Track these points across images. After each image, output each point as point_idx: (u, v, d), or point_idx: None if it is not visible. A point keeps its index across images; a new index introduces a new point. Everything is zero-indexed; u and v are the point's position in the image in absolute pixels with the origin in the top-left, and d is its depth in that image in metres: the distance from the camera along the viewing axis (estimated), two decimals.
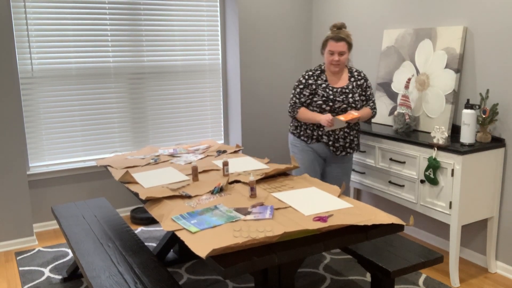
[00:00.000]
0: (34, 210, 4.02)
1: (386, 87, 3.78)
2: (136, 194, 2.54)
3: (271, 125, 4.74)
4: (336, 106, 3.12)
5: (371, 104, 3.25)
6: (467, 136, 2.95)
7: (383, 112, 3.80)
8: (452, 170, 2.92)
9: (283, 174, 2.82)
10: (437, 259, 2.43)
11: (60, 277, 3.19)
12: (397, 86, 3.68)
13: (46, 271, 3.27)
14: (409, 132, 3.40)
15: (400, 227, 2.07)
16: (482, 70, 3.15)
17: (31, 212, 4.00)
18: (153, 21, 4.29)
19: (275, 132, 4.77)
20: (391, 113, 3.72)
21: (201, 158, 3.20)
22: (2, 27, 3.45)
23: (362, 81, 3.21)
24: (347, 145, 3.23)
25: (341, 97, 3.13)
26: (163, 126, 4.49)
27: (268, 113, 4.69)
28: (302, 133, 3.27)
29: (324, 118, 3.02)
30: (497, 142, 3.03)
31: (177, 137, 4.59)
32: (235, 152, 3.37)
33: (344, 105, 3.12)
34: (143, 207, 4.30)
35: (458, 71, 3.23)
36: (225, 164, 2.73)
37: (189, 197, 2.41)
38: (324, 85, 3.16)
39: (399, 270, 2.32)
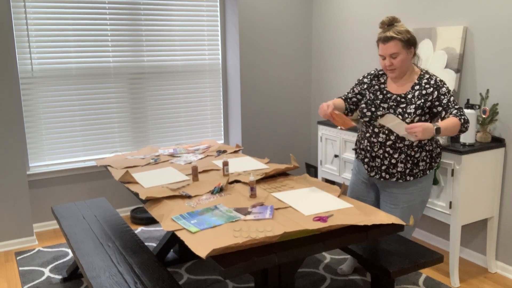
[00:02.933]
0: (34, 210, 4.02)
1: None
2: (136, 194, 2.54)
3: (271, 125, 4.74)
4: (378, 113, 2.53)
5: (455, 112, 2.37)
6: (467, 136, 2.95)
7: None
8: (452, 170, 2.92)
9: (283, 174, 2.82)
10: (437, 259, 2.42)
11: (60, 277, 3.19)
12: None
13: (46, 271, 3.27)
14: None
15: (400, 227, 2.07)
16: (482, 70, 3.15)
17: (31, 212, 4.00)
18: (153, 21, 4.29)
19: (275, 132, 4.77)
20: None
21: (201, 158, 3.20)
22: (2, 27, 3.45)
23: (431, 89, 2.44)
24: (384, 167, 2.56)
25: (390, 103, 2.51)
26: (163, 126, 4.49)
27: (268, 113, 4.69)
28: (356, 144, 2.76)
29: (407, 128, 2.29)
30: (497, 142, 3.03)
31: (177, 137, 4.59)
32: (235, 152, 3.37)
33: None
34: (143, 207, 4.30)
35: (458, 71, 3.23)
36: (225, 164, 2.73)
37: (189, 197, 2.41)
38: (377, 87, 2.61)
39: (399, 270, 2.32)
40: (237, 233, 1.92)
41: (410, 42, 2.45)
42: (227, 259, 1.76)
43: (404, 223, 2.05)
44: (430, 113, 2.48)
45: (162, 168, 2.96)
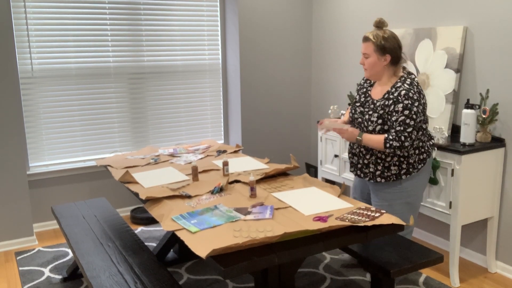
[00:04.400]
0: (34, 210, 4.02)
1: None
2: (136, 194, 2.54)
3: (271, 125, 4.74)
4: (355, 116, 2.68)
5: (392, 133, 2.46)
6: (467, 136, 2.95)
7: None
8: (452, 170, 2.92)
9: (283, 174, 2.82)
10: (437, 259, 2.42)
11: (60, 277, 3.19)
12: None
13: (46, 271, 3.27)
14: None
15: (400, 227, 2.07)
16: (482, 70, 3.15)
17: (31, 212, 4.00)
18: (153, 21, 4.29)
19: (275, 132, 4.77)
20: None
21: (201, 158, 3.20)
22: (2, 27, 3.45)
23: (391, 101, 2.48)
24: (359, 166, 2.71)
25: (365, 108, 2.62)
26: (163, 126, 4.49)
27: (268, 113, 4.69)
28: None
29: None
30: (497, 142, 3.03)
31: (177, 137, 4.59)
32: (235, 152, 3.37)
33: (360, 119, 2.63)
34: (143, 207, 4.30)
35: (458, 71, 3.23)
36: (225, 164, 2.73)
37: (189, 197, 2.41)
38: (364, 90, 2.70)
39: (399, 270, 2.32)
40: (237, 233, 1.92)
41: (384, 49, 2.51)
42: (227, 259, 1.76)
43: (404, 223, 2.05)
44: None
45: (162, 168, 2.96)
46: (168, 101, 4.48)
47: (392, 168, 2.59)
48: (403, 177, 2.60)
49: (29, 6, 3.78)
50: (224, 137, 4.83)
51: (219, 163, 3.04)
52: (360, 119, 2.63)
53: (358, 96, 2.73)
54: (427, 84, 3.42)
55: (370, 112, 2.57)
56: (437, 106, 3.33)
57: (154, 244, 3.66)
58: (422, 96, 2.51)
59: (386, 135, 2.49)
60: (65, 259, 3.46)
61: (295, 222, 2.04)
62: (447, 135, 3.10)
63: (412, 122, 2.46)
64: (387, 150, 2.49)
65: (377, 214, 2.09)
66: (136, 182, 2.68)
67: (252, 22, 4.45)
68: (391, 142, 2.46)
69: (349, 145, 2.79)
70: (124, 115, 4.29)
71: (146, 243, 3.57)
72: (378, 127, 2.53)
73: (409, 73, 2.60)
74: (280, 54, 4.66)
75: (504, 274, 3.15)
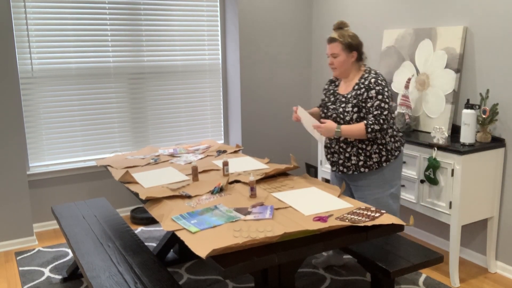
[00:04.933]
0: (34, 210, 4.02)
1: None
2: (136, 194, 2.54)
3: (271, 125, 4.74)
4: (328, 114, 2.79)
5: (370, 118, 2.60)
6: (467, 136, 2.95)
7: None
8: (452, 170, 2.92)
9: (283, 174, 2.82)
10: (437, 259, 2.43)
11: (60, 277, 3.19)
12: (397, 86, 3.68)
13: (46, 271, 3.27)
14: (409, 132, 3.40)
15: (400, 227, 2.07)
16: (482, 70, 3.15)
17: (31, 212, 4.00)
18: (153, 21, 4.29)
19: (275, 132, 4.77)
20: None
21: (201, 158, 3.20)
22: (2, 27, 3.45)
23: (363, 90, 2.64)
24: (340, 161, 2.79)
25: (337, 104, 2.75)
26: (163, 126, 4.49)
27: (268, 113, 4.70)
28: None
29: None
30: (497, 142, 3.03)
31: (177, 137, 4.59)
32: (235, 152, 3.37)
33: (334, 114, 2.74)
34: (143, 207, 4.30)
35: (458, 71, 3.23)
36: (225, 164, 2.73)
37: (189, 197, 2.41)
38: (331, 91, 2.85)
39: (399, 270, 2.32)
40: (237, 233, 1.92)
41: (351, 46, 2.68)
42: (227, 259, 1.76)
43: (404, 223, 2.05)
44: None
45: (162, 168, 2.96)
46: (168, 101, 4.48)
47: (374, 156, 2.71)
48: (384, 164, 2.73)
49: (29, 6, 3.78)
50: (224, 137, 4.83)
51: (219, 163, 3.04)
52: (334, 114, 2.74)
53: (327, 98, 2.86)
54: (427, 84, 3.42)
55: (343, 105, 2.70)
56: (437, 106, 3.33)
57: (154, 244, 3.66)
58: (387, 83, 2.70)
59: (365, 122, 2.61)
60: (65, 259, 3.46)
61: (295, 222, 2.04)
62: (447, 135, 3.10)
63: (386, 106, 2.62)
64: (368, 135, 2.61)
65: (377, 214, 2.09)
66: (136, 182, 2.68)
67: (252, 22, 4.45)
68: (372, 126, 2.59)
69: (326, 145, 2.87)
70: (124, 115, 4.29)
71: (146, 243, 3.57)
72: (355, 115, 2.66)
73: (370, 68, 2.77)
74: (280, 54, 4.66)
75: (504, 274, 3.15)
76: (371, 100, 2.61)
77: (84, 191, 4.19)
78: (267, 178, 2.73)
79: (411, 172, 3.21)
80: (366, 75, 2.69)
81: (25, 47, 3.82)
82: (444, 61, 3.30)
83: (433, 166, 3.00)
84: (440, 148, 2.97)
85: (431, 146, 3.02)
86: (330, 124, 2.64)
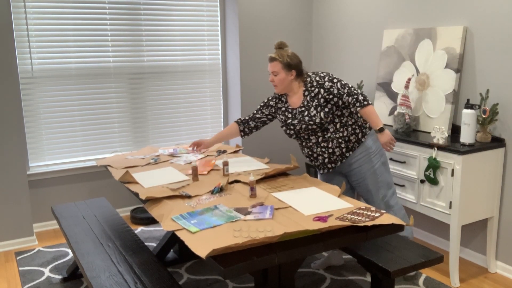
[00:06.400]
0: (34, 210, 4.02)
1: (386, 87, 3.78)
2: (136, 194, 2.54)
3: (271, 125, 4.73)
4: (297, 128, 2.82)
5: (355, 98, 2.73)
6: (467, 136, 2.95)
7: (383, 112, 3.80)
8: (452, 170, 2.92)
9: (283, 174, 2.82)
10: (437, 259, 2.42)
11: (60, 277, 3.19)
12: (397, 86, 3.68)
13: (46, 271, 3.27)
14: (409, 132, 3.40)
15: (400, 227, 2.07)
16: (482, 70, 3.15)
17: (31, 212, 4.00)
18: (153, 21, 4.29)
19: (275, 132, 4.77)
20: (391, 113, 3.72)
21: (201, 158, 3.20)
22: (2, 27, 3.45)
23: (317, 90, 2.77)
24: (326, 160, 2.90)
25: (298, 117, 2.81)
26: (163, 126, 4.49)
27: None
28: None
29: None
30: (497, 142, 3.03)
31: (177, 137, 4.59)
32: (235, 152, 3.37)
33: (304, 125, 2.79)
34: (143, 207, 4.30)
35: (458, 71, 3.23)
36: (225, 164, 2.73)
37: (189, 197, 2.41)
38: (283, 109, 2.91)
39: (399, 270, 2.32)
40: (237, 233, 1.92)
41: (290, 66, 2.79)
42: (227, 259, 1.76)
43: (404, 223, 2.05)
44: (334, 106, 2.77)
45: (162, 168, 2.96)
46: (168, 101, 4.48)
47: (351, 137, 2.85)
48: (362, 139, 2.88)
49: (29, 6, 3.78)
50: None
51: (219, 163, 3.04)
52: (304, 125, 2.80)
53: (283, 116, 2.90)
54: (427, 84, 3.42)
55: (306, 113, 2.79)
56: (437, 106, 3.33)
57: (154, 244, 3.66)
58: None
59: (358, 104, 2.73)
60: (65, 259, 3.46)
61: (295, 222, 2.04)
62: (447, 135, 3.10)
63: (344, 82, 2.78)
64: (370, 103, 2.76)
65: (377, 214, 2.09)
66: (136, 182, 2.68)
67: (252, 22, 4.45)
68: (362, 98, 2.74)
69: (307, 153, 2.95)
70: (124, 115, 4.29)
71: (146, 243, 3.57)
72: (322, 113, 2.76)
73: (307, 73, 2.90)
74: None
75: (504, 274, 3.15)
76: (333, 88, 2.75)
77: (84, 191, 4.20)
78: (267, 178, 2.73)
79: (411, 172, 3.21)
80: (309, 79, 2.83)
81: (25, 47, 3.82)
82: (444, 61, 3.30)
83: (433, 166, 3.00)
84: (440, 148, 2.97)
85: (431, 146, 3.02)
86: (386, 132, 2.75)
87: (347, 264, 3.29)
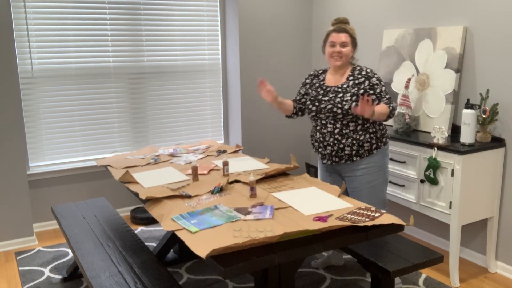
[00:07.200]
0: (34, 210, 4.02)
1: (386, 87, 3.78)
2: (136, 194, 2.54)
3: (271, 125, 4.74)
4: (322, 106, 2.80)
5: (386, 100, 2.75)
6: (467, 136, 2.95)
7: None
8: (452, 170, 2.92)
9: (283, 174, 2.82)
10: (437, 259, 2.43)
11: (60, 277, 3.19)
12: (397, 86, 3.68)
13: (46, 271, 3.27)
14: (409, 132, 3.40)
15: (400, 227, 2.07)
16: (482, 70, 3.15)
17: (31, 212, 4.00)
18: (153, 21, 4.29)
19: (275, 132, 4.77)
20: None
21: (201, 158, 3.20)
22: (2, 27, 3.45)
23: (363, 79, 2.76)
24: (333, 153, 2.84)
25: (330, 95, 2.79)
26: (163, 126, 4.49)
27: (268, 113, 4.69)
28: (311, 139, 3.03)
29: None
30: (497, 142, 3.03)
31: (177, 137, 4.59)
32: (235, 152, 3.37)
33: (330, 105, 2.76)
34: (143, 207, 4.30)
35: (458, 71, 3.23)
36: (225, 164, 2.73)
37: (189, 197, 2.41)
38: (317, 85, 2.90)
39: (399, 270, 2.32)
40: (237, 233, 1.91)
41: (355, 41, 2.85)
42: (227, 259, 1.76)
43: (404, 223, 2.05)
44: None
45: (162, 168, 2.96)
46: (168, 101, 4.48)
47: (365, 145, 2.81)
48: (374, 151, 2.83)
49: (29, 6, 3.78)
50: (224, 137, 4.83)
51: (219, 163, 3.04)
52: (330, 105, 2.77)
53: (314, 91, 2.89)
54: (427, 84, 3.42)
55: (340, 95, 2.77)
56: (437, 106, 3.33)
57: (154, 244, 3.66)
58: None
59: (383, 103, 2.73)
60: (65, 259, 3.46)
61: (295, 222, 2.04)
62: (447, 135, 3.10)
63: (387, 90, 2.82)
64: (390, 114, 2.73)
65: (377, 214, 2.09)
66: (136, 182, 2.68)
67: (252, 22, 4.45)
68: (391, 105, 2.74)
69: (317, 139, 2.90)
70: (124, 115, 4.29)
71: (146, 243, 3.57)
72: (353, 104, 2.74)
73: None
74: (280, 54, 4.66)
75: (504, 274, 3.15)
76: (378, 86, 2.76)
77: (84, 191, 4.19)
78: (267, 178, 2.73)
79: (411, 172, 3.21)
80: (359, 67, 2.83)
81: (25, 47, 3.82)
82: (444, 61, 3.30)
83: (433, 166, 3.00)
84: (440, 148, 2.97)
85: (431, 146, 3.02)
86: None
87: (347, 264, 3.29)
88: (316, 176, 4.63)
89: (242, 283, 3.06)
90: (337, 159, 2.86)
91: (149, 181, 2.69)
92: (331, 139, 2.82)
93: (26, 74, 3.86)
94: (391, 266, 2.34)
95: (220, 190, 2.48)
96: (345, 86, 2.79)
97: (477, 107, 3.02)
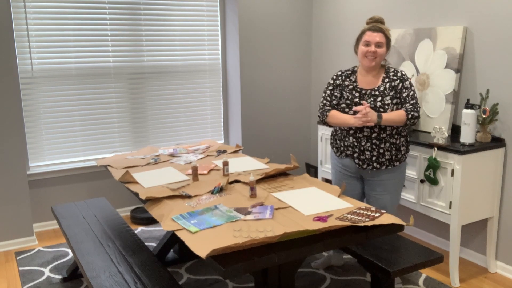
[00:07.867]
0: (34, 210, 4.02)
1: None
2: (136, 194, 2.54)
3: (271, 125, 4.74)
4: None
5: (409, 107, 2.70)
6: (467, 136, 2.95)
7: None
8: (452, 170, 2.92)
9: (283, 174, 2.82)
10: (437, 259, 2.43)
11: (60, 277, 3.19)
12: None
13: (46, 271, 3.27)
14: (409, 132, 3.40)
15: (400, 227, 2.07)
16: (482, 70, 3.15)
17: (31, 212, 4.00)
18: (153, 21, 4.29)
19: (275, 132, 4.77)
20: None
21: (201, 158, 3.20)
22: (2, 27, 3.45)
23: (398, 81, 2.73)
24: (374, 158, 2.76)
25: (369, 100, 2.72)
26: (163, 126, 4.49)
27: (268, 113, 4.70)
28: (334, 143, 2.95)
29: (354, 117, 2.65)
30: (497, 142, 3.03)
31: (177, 137, 4.59)
32: (235, 152, 3.37)
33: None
34: (143, 207, 4.30)
35: (458, 71, 3.23)
36: (225, 164, 2.73)
37: (189, 197, 2.41)
38: (351, 87, 2.79)
39: (399, 270, 2.32)
40: (237, 233, 1.92)
41: (389, 42, 2.79)
42: (227, 259, 1.76)
43: (404, 223, 2.05)
44: (395, 106, 2.75)
45: (162, 168, 2.96)
46: (168, 101, 4.48)
47: (402, 148, 2.82)
48: (406, 155, 2.87)
49: (29, 6, 3.78)
50: (224, 137, 4.83)
51: (219, 163, 3.04)
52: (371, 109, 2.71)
53: (349, 94, 2.79)
54: (427, 84, 3.42)
55: (380, 98, 2.72)
56: (437, 106, 3.33)
57: (154, 244, 3.66)
58: None
59: (404, 108, 2.71)
60: (65, 259, 3.46)
61: (295, 222, 2.04)
62: (447, 135, 3.10)
63: (417, 96, 2.77)
64: (408, 122, 2.71)
65: (377, 214, 2.09)
66: (136, 182, 2.68)
67: (252, 22, 4.45)
68: (412, 113, 2.69)
69: (351, 144, 2.80)
70: (124, 115, 4.29)
71: (146, 243, 3.57)
72: (395, 107, 2.73)
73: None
74: (280, 54, 4.66)
75: (504, 274, 3.15)
76: (406, 91, 2.73)
77: (84, 191, 4.20)
78: (267, 178, 2.73)
79: (411, 172, 3.21)
80: (393, 69, 2.79)
81: (25, 47, 3.82)
82: (444, 61, 3.30)
83: (433, 166, 3.00)
84: (440, 148, 2.97)
85: (431, 146, 3.02)
86: (371, 112, 2.64)
87: (347, 264, 3.29)
88: (316, 176, 4.63)
89: (242, 283, 3.06)
90: (378, 165, 2.79)
91: (149, 181, 2.69)
92: (368, 144, 2.75)
93: (26, 74, 3.86)
94: (391, 266, 2.34)
95: (220, 190, 2.48)
96: (381, 88, 2.74)
97: (477, 107, 3.02)
